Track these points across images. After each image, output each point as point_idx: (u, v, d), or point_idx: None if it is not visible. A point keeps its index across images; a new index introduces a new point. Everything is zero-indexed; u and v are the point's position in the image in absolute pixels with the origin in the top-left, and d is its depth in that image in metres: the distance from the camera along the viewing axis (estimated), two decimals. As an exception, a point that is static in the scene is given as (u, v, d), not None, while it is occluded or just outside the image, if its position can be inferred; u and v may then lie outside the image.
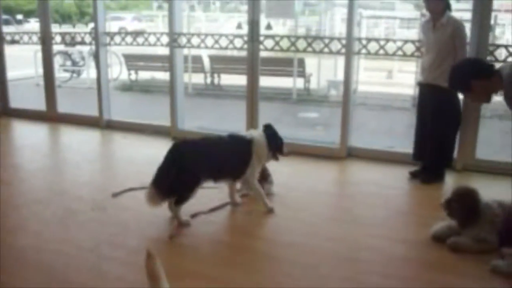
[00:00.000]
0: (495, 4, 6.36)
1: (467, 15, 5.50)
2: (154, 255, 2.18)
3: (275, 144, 4.53)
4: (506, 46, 5.60)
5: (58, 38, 7.87)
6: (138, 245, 3.77)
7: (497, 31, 10.82)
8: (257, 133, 4.53)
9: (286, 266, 3.52)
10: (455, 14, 5.05)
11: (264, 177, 4.81)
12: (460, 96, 5.26)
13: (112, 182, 5.16)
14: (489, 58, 5.43)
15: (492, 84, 3.35)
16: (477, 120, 5.51)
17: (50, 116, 7.88)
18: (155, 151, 6.33)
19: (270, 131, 4.57)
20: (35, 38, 7.89)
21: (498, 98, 8.58)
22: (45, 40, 7.70)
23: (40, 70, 8.38)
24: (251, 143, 4.37)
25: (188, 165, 4.03)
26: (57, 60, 12.67)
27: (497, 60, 5.67)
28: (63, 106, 8.03)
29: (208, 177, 4.18)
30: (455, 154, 5.40)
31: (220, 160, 4.23)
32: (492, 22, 6.54)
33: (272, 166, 5.02)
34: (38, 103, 8.13)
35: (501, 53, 5.54)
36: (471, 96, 3.53)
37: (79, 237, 3.91)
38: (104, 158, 6.48)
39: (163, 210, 4.55)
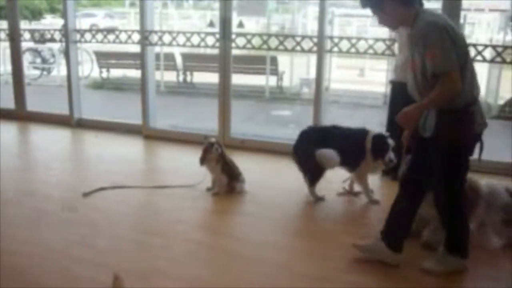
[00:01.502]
0: (465, 4, 6.43)
1: (437, 14, 5.55)
2: (121, 278, 2.17)
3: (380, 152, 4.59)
4: (475, 45, 5.68)
5: (27, 35, 7.75)
6: (109, 245, 3.74)
7: (467, 30, 10.98)
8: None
9: (258, 265, 3.52)
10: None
11: (235, 175, 4.82)
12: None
13: (82, 182, 5.09)
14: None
15: (405, 16, 3.16)
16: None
17: (19, 114, 7.75)
18: (127, 150, 6.35)
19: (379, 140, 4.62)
20: (3, 35, 7.75)
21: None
22: (14, 37, 7.57)
23: (9, 68, 8.23)
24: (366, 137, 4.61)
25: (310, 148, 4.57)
26: (27, 58, 12.45)
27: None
28: (33, 104, 7.92)
29: None
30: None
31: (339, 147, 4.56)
32: (462, 21, 6.64)
33: (244, 165, 5.03)
34: (7, 101, 7.98)
35: (471, 52, 5.62)
36: (379, 17, 3.33)
37: (49, 238, 3.85)
38: (74, 157, 6.40)
39: (134, 209, 4.53)
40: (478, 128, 3.15)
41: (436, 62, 2.95)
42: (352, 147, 4.62)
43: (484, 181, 3.92)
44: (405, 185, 3.49)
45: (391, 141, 4.55)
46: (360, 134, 4.69)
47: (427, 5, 5.16)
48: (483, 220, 3.92)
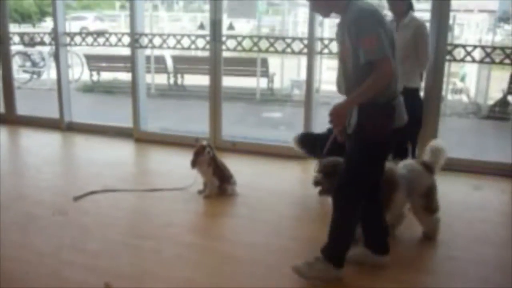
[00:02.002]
0: (454, 4, 6.48)
1: (427, 15, 5.59)
2: (112, 286, 2.17)
3: None
4: (464, 46, 5.73)
5: (16, 38, 7.71)
6: (100, 249, 3.74)
7: (456, 30, 11.04)
8: None
9: (249, 267, 3.52)
10: (415, 14, 5.13)
11: (226, 178, 4.82)
12: (422, 95, 5.37)
13: (73, 186, 5.08)
14: (448, 57, 5.55)
15: (336, 3, 3.11)
16: (437, 118, 5.61)
17: (9, 118, 7.71)
18: (118, 153, 6.33)
19: None
20: (-9, 39, 7.71)
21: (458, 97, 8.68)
22: (3, 40, 7.53)
23: (-2, 71, 8.18)
24: None
25: None
26: (16, 61, 12.39)
27: (455, 60, 5.81)
28: (23, 108, 7.87)
29: None
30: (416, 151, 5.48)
31: None
32: (451, 22, 6.68)
33: (235, 167, 5.03)
34: (-4, 106, 7.94)
35: (460, 53, 5.67)
36: (311, 4, 3.32)
37: (39, 242, 3.84)
38: (65, 161, 6.37)
39: (125, 212, 4.52)
40: (397, 123, 3.11)
41: (374, 48, 2.90)
42: None
43: (402, 164, 3.87)
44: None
45: None
46: None
47: (416, 5, 5.24)
48: (402, 210, 3.87)
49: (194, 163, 4.70)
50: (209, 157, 4.67)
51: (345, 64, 3.15)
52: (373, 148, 3.10)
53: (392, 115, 3.05)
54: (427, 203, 3.79)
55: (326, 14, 3.29)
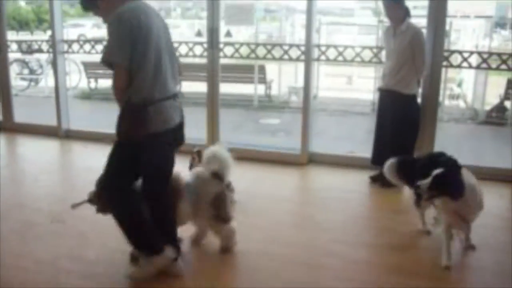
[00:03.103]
0: (451, 10, 6.50)
1: (423, 21, 5.61)
2: None
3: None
4: (461, 52, 5.75)
5: (14, 46, 7.72)
6: (97, 257, 3.73)
7: (453, 36, 11.08)
8: None
9: (245, 273, 3.53)
10: (412, 20, 5.15)
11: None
12: (419, 101, 5.39)
13: (71, 193, 5.04)
14: (444, 63, 5.56)
15: (113, 7, 3.12)
16: (434, 123, 5.62)
17: (6, 126, 7.70)
18: (115, 161, 6.30)
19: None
20: (-10, 46, 7.71)
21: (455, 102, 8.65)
22: (1, 48, 7.53)
23: (-4, 79, 8.17)
24: None
25: None
26: (14, 69, 12.39)
27: (452, 66, 5.82)
28: (20, 115, 7.86)
29: None
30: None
31: None
32: (447, 28, 6.71)
33: (233, 173, 5.01)
34: (-6, 113, 7.93)
35: (457, 58, 5.69)
36: (95, 12, 3.35)
37: (37, 250, 3.84)
38: (63, 168, 6.37)
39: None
40: (155, 128, 3.16)
41: (105, 51, 3.07)
42: None
43: (192, 171, 3.86)
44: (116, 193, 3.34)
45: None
46: None
47: (413, 11, 5.26)
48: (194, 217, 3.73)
49: (190, 169, 4.70)
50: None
51: None
52: (128, 149, 3.21)
53: (146, 119, 3.13)
54: (217, 212, 3.64)
55: (106, 19, 3.25)
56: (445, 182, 3.41)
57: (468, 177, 3.57)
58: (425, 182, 3.43)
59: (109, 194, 3.31)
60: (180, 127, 3.43)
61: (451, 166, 3.55)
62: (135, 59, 3.03)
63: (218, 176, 3.66)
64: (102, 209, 3.47)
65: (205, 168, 3.71)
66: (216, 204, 3.63)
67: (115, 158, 3.29)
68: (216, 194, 3.64)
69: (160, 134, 3.19)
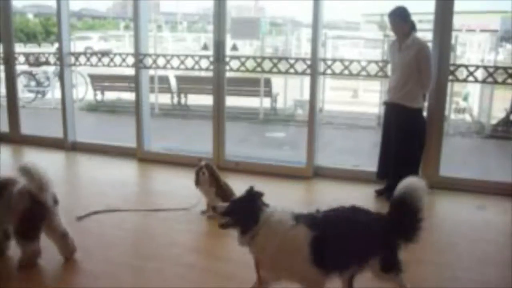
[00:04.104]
0: (456, 24, 6.51)
1: (429, 35, 5.62)
2: None
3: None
4: (466, 66, 5.75)
5: (21, 58, 7.77)
6: (102, 269, 3.72)
7: (458, 50, 11.08)
8: None
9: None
10: (417, 34, 5.16)
11: (229, 198, 4.79)
12: (425, 114, 5.38)
13: (76, 205, 5.06)
14: (450, 77, 5.56)
15: None
16: (441, 137, 5.61)
17: (13, 137, 7.74)
18: (121, 173, 6.33)
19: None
20: (-3, 58, 7.77)
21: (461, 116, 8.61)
22: (8, 60, 7.59)
23: (3, 91, 8.23)
24: None
25: None
26: (21, 81, 12.47)
27: (458, 80, 5.82)
28: (27, 127, 7.90)
29: None
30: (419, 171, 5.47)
31: None
32: (453, 41, 6.71)
33: (239, 187, 4.99)
34: (1, 125, 7.96)
35: (462, 72, 5.68)
36: None
37: (42, 263, 3.81)
38: (68, 180, 6.36)
39: (128, 232, 4.51)
40: None
41: None
42: None
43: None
44: None
45: None
46: None
47: (418, 25, 5.27)
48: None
49: (197, 182, 4.71)
50: (212, 177, 4.67)
51: None
52: None
53: None
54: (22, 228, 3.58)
55: None
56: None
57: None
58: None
59: None
60: None
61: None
62: None
63: (29, 192, 3.57)
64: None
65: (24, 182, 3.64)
66: (21, 220, 3.56)
67: None
68: (24, 209, 3.54)
69: None
